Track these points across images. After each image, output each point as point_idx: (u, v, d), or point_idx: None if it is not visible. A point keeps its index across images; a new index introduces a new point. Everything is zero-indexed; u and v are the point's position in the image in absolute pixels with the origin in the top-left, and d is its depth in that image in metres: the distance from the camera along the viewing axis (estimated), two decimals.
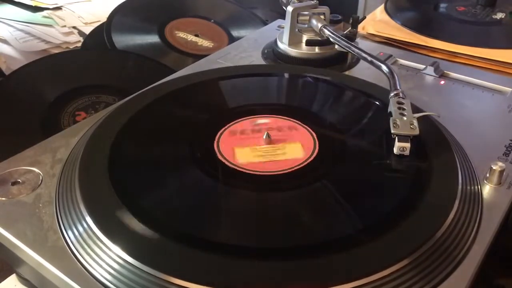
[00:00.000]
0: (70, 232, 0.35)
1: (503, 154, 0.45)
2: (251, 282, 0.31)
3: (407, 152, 0.41)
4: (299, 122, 0.47)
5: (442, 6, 0.82)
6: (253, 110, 0.48)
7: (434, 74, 0.59)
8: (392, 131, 0.41)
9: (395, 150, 0.41)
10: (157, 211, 0.36)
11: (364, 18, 0.78)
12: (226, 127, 0.46)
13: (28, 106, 0.64)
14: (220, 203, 0.38)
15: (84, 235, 0.35)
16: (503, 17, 0.77)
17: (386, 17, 0.77)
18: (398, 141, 0.41)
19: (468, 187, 0.39)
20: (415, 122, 0.42)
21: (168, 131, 0.46)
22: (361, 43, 0.64)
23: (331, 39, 0.58)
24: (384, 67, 0.51)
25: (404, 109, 0.43)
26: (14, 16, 0.94)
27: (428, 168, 0.40)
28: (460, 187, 0.38)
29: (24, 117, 0.63)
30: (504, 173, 0.41)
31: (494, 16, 0.78)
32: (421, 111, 0.45)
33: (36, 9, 0.97)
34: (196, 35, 0.86)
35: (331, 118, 0.48)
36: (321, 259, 0.32)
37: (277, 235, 0.35)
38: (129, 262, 0.32)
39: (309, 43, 0.61)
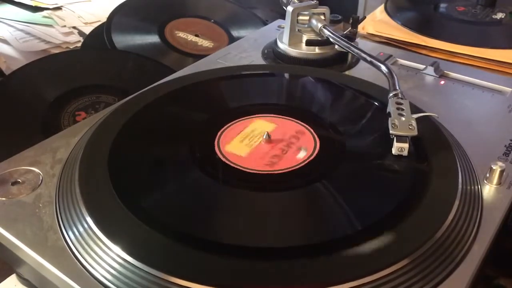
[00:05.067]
0: (70, 232, 0.35)
1: (503, 154, 0.45)
2: (251, 282, 0.31)
3: (405, 153, 0.41)
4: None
5: (442, 6, 0.82)
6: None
7: (434, 74, 0.59)
8: (391, 132, 0.41)
9: (394, 151, 0.41)
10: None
11: (364, 18, 0.78)
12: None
13: (28, 106, 0.64)
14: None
15: (84, 235, 0.35)
16: (503, 17, 0.77)
17: (386, 17, 0.77)
18: (397, 142, 0.41)
19: (468, 187, 0.39)
20: (414, 123, 0.42)
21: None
22: (361, 43, 0.64)
23: (331, 39, 0.58)
24: (383, 67, 0.51)
25: (402, 110, 0.43)
26: (14, 16, 0.94)
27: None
28: (460, 187, 0.38)
29: (24, 117, 0.63)
30: (504, 173, 0.41)
31: (494, 16, 0.78)
32: (421, 111, 0.45)
33: (36, 9, 0.97)
34: (196, 35, 0.86)
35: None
36: (321, 259, 0.32)
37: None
38: (129, 262, 0.32)
39: (309, 43, 0.61)
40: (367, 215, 0.36)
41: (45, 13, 0.96)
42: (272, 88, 0.56)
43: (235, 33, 0.89)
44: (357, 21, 0.62)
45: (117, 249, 0.33)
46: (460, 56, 0.67)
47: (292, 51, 0.61)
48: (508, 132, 0.48)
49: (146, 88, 0.53)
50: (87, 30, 0.91)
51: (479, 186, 0.40)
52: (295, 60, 0.61)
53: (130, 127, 0.45)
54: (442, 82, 0.58)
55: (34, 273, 0.36)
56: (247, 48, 0.66)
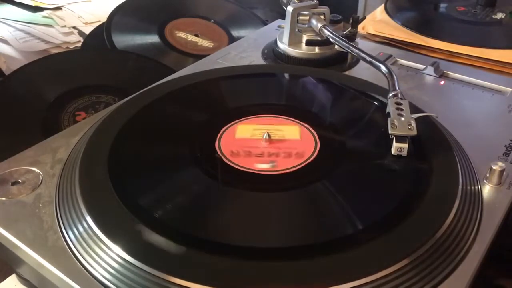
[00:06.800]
0: (70, 232, 0.35)
1: (503, 154, 0.45)
2: (251, 282, 0.31)
3: (404, 153, 0.41)
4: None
5: (442, 6, 0.82)
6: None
7: (434, 74, 0.59)
8: (390, 132, 0.41)
9: (393, 151, 0.41)
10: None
11: (364, 18, 0.78)
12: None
13: (28, 106, 0.64)
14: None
15: (84, 235, 0.35)
16: (503, 17, 0.77)
17: (386, 17, 0.77)
18: (396, 142, 0.41)
19: (468, 187, 0.39)
20: (413, 123, 0.42)
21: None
22: (361, 43, 0.64)
23: (331, 39, 0.58)
24: (383, 68, 0.51)
25: (402, 110, 0.43)
26: (14, 16, 0.94)
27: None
28: (460, 187, 0.38)
29: (24, 117, 0.63)
30: (504, 173, 0.41)
31: (494, 16, 0.78)
32: (421, 111, 0.45)
33: (36, 9, 0.97)
34: (196, 35, 0.86)
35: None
36: (321, 259, 0.32)
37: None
38: (129, 262, 0.32)
39: (309, 43, 0.61)
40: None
41: (45, 13, 0.96)
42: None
43: (235, 33, 0.89)
44: (357, 21, 0.62)
45: (117, 249, 0.33)
46: (460, 56, 0.67)
47: (292, 51, 0.61)
48: (508, 132, 0.48)
49: (146, 88, 0.53)
50: (87, 30, 0.91)
51: (479, 186, 0.40)
52: (295, 60, 0.61)
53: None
54: (442, 82, 0.58)
55: (34, 273, 0.36)
56: (247, 48, 0.66)
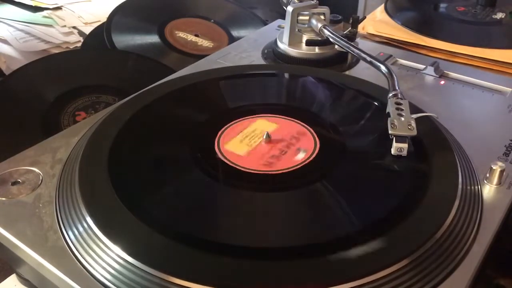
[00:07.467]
0: (70, 232, 0.35)
1: (503, 154, 0.45)
2: (251, 282, 0.31)
3: (404, 153, 0.41)
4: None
5: (442, 6, 0.82)
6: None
7: (434, 74, 0.59)
8: (390, 132, 0.41)
9: (393, 151, 0.41)
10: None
11: (364, 18, 0.78)
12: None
13: (28, 106, 0.64)
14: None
15: (84, 235, 0.35)
16: (503, 17, 0.77)
17: (386, 17, 0.77)
18: (396, 142, 0.41)
19: (468, 187, 0.39)
20: (413, 123, 0.42)
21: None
22: (361, 43, 0.64)
23: (331, 39, 0.58)
24: (383, 68, 0.51)
25: (402, 110, 0.43)
26: (14, 16, 0.94)
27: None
28: (460, 187, 0.38)
29: (24, 117, 0.63)
30: (504, 173, 0.41)
31: (494, 16, 0.78)
32: (421, 111, 0.45)
33: (36, 9, 0.97)
34: (196, 35, 0.86)
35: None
36: (321, 259, 0.32)
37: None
38: (129, 262, 0.32)
39: (309, 43, 0.61)
40: (367, 215, 0.36)
41: (45, 13, 0.96)
42: (272, 88, 0.56)
43: (235, 33, 0.89)
44: (357, 21, 0.62)
45: (117, 249, 0.33)
46: (460, 56, 0.67)
47: (292, 51, 0.61)
48: (508, 132, 0.48)
49: (146, 88, 0.53)
50: (87, 30, 0.91)
51: (479, 186, 0.40)
52: (295, 60, 0.61)
53: (130, 127, 0.45)
54: (442, 82, 0.58)
55: (34, 273, 0.36)
56: (247, 48, 0.66)
